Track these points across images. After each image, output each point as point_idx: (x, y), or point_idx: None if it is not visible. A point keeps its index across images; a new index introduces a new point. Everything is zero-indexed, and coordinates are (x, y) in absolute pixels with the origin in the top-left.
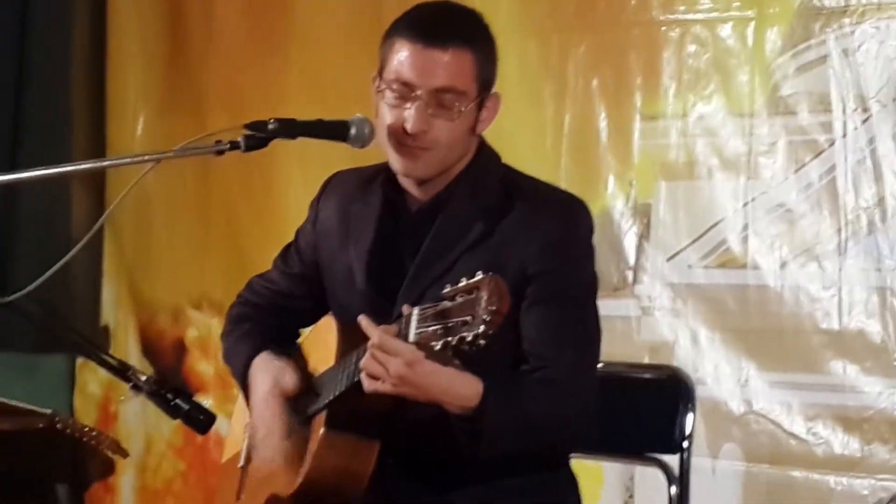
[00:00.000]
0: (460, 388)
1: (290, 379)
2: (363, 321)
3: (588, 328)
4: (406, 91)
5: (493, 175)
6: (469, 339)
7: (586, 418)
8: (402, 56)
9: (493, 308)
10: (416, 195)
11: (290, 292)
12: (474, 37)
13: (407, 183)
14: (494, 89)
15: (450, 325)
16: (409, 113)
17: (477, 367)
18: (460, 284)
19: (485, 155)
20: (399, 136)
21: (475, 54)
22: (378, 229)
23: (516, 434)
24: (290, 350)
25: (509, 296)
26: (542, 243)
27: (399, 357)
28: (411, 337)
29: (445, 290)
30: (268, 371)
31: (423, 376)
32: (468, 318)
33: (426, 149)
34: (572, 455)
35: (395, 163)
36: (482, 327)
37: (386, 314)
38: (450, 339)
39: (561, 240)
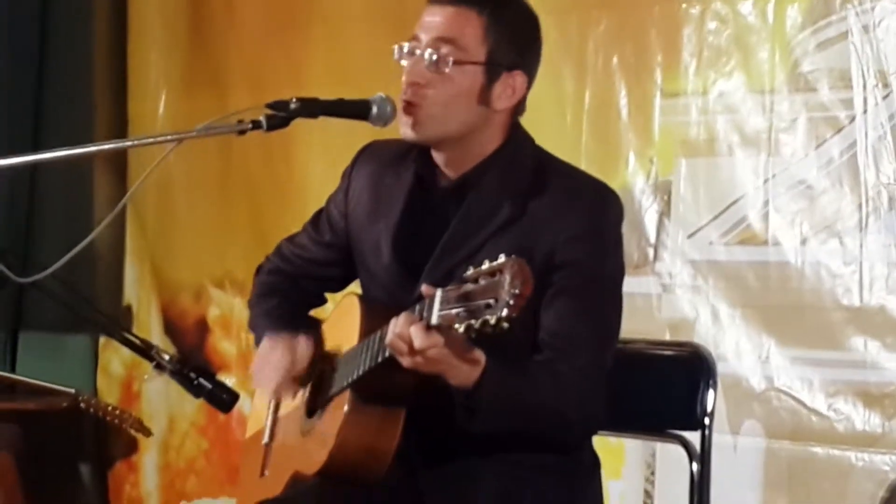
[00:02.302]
0: (466, 365)
1: (302, 360)
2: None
3: (608, 325)
4: (413, 46)
5: (525, 157)
6: (492, 322)
7: (588, 419)
8: (421, 18)
9: (517, 291)
10: (447, 172)
11: (319, 259)
12: (492, 2)
13: (438, 158)
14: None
15: (472, 307)
16: (408, 67)
17: (494, 350)
18: (483, 267)
19: (518, 137)
20: (403, 96)
21: (486, 19)
22: (407, 204)
23: (511, 415)
24: (310, 324)
25: (532, 279)
26: (572, 232)
27: (424, 345)
28: (434, 318)
29: (468, 273)
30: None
31: (440, 359)
32: (491, 300)
33: (419, 105)
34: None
35: (400, 127)
36: (505, 311)
37: (410, 291)
38: (472, 321)
39: (591, 230)
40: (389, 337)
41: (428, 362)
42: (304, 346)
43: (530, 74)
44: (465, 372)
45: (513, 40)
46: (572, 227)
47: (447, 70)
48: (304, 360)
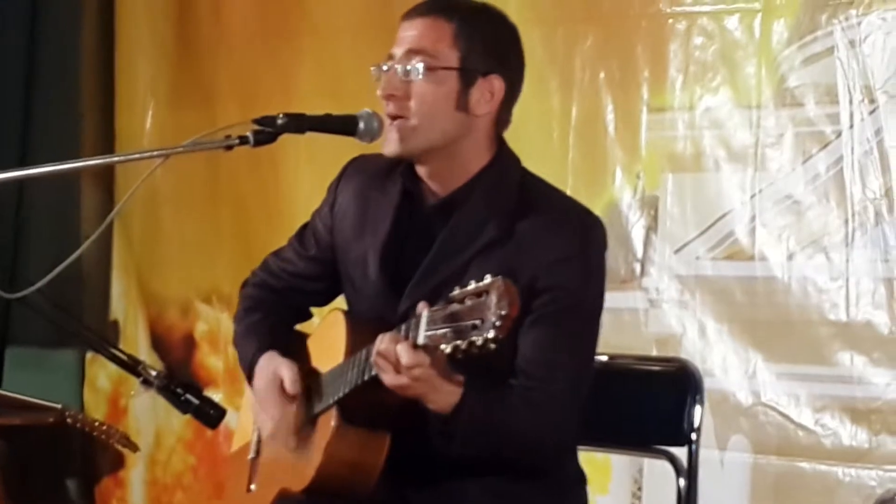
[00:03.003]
0: (445, 390)
1: (292, 378)
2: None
3: (585, 353)
4: (389, 63)
5: (511, 178)
6: (479, 343)
7: (561, 444)
8: (396, 37)
9: (503, 312)
10: (434, 188)
11: (304, 273)
12: (459, 11)
13: (423, 172)
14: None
15: (459, 328)
16: (383, 79)
17: (473, 373)
18: (469, 287)
19: (504, 157)
20: (386, 110)
21: (456, 25)
22: (394, 221)
23: (488, 441)
24: (296, 340)
25: (518, 300)
26: (555, 258)
27: (409, 366)
28: (420, 338)
29: (454, 293)
30: (271, 368)
31: (423, 382)
32: (477, 321)
33: (399, 117)
34: (580, 448)
35: (383, 145)
36: (492, 332)
37: (394, 307)
38: (459, 342)
39: (574, 256)
40: (374, 355)
41: (412, 382)
42: (295, 367)
43: (510, 80)
44: (443, 396)
45: (486, 45)
46: (556, 252)
47: (419, 78)
48: (295, 380)
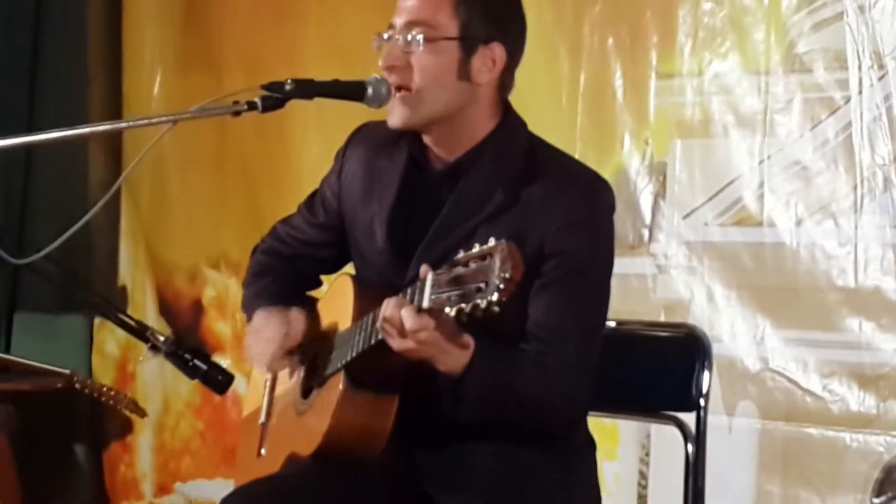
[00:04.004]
0: (455, 352)
1: (296, 331)
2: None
3: (595, 316)
4: (389, 32)
5: (518, 143)
6: (483, 306)
7: (573, 410)
8: (396, 6)
9: (506, 275)
10: (440, 154)
11: (313, 240)
12: None
13: (429, 140)
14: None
15: (463, 291)
16: (384, 50)
17: (483, 337)
18: (473, 251)
19: (510, 122)
20: (389, 80)
21: None
22: (401, 187)
23: (499, 403)
24: (307, 304)
25: (522, 262)
26: (563, 222)
27: (414, 329)
28: (425, 302)
29: (459, 256)
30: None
31: (430, 344)
32: (481, 284)
33: (402, 88)
34: (590, 413)
35: (388, 117)
36: (495, 295)
37: (402, 273)
38: (463, 305)
39: (582, 220)
40: (380, 320)
41: (418, 346)
42: (297, 318)
43: (511, 47)
44: (454, 357)
45: (486, 13)
46: (564, 216)
47: (420, 49)
48: (297, 332)
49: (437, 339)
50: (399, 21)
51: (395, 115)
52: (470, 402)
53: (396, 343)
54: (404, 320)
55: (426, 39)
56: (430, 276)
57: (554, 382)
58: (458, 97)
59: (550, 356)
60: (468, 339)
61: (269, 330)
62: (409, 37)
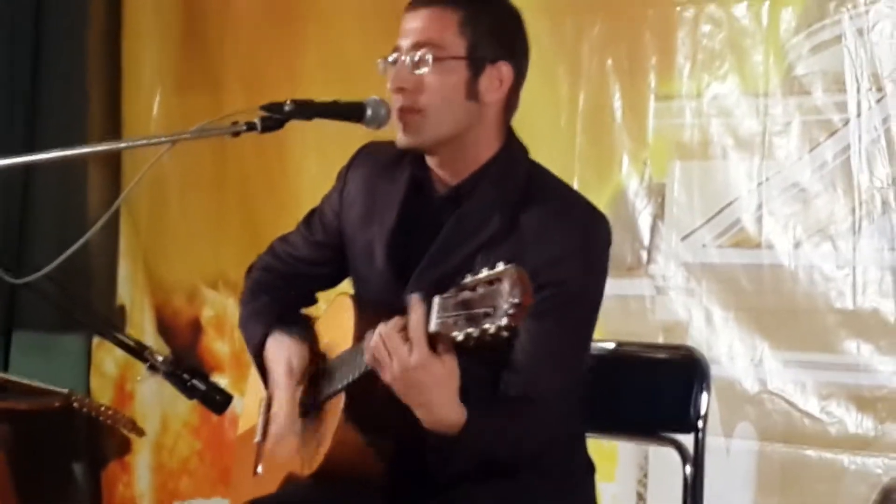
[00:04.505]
0: (443, 412)
1: (300, 361)
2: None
3: (579, 350)
4: (395, 55)
5: (519, 169)
6: (492, 331)
7: (552, 440)
8: (400, 28)
9: (516, 301)
10: (443, 177)
11: (311, 259)
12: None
13: (432, 162)
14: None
15: (471, 316)
16: (392, 72)
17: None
18: (481, 275)
19: (513, 147)
20: (395, 104)
21: (462, 13)
22: (402, 210)
23: (479, 458)
24: (303, 322)
25: (532, 289)
26: (556, 253)
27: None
28: (432, 325)
29: (466, 280)
30: (282, 352)
31: (415, 383)
32: (489, 309)
33: (410, 110)
34: (588, 435)
35: (396, 136)
36: (505, 320)
37: (399, 296)
38: (471, 330)
39: (575, 253)
40: (376, 338)
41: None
42: (304, 349)
43: (517, 66)
44: (444, 415)
45: (492, 32)
46: (557, 248)
47: (427, 70)
48: (304, 363)
49: (439, 373)
50: (405, 43)
51: (403, 137)
52: (457, 461)
53: (389, 372)
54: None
55: (434, 59)
56: (436, 300)
57: (536, 422)
58: (466, 117)
59: (532, 390)
60: (461, 408)
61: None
62: (417, 57)
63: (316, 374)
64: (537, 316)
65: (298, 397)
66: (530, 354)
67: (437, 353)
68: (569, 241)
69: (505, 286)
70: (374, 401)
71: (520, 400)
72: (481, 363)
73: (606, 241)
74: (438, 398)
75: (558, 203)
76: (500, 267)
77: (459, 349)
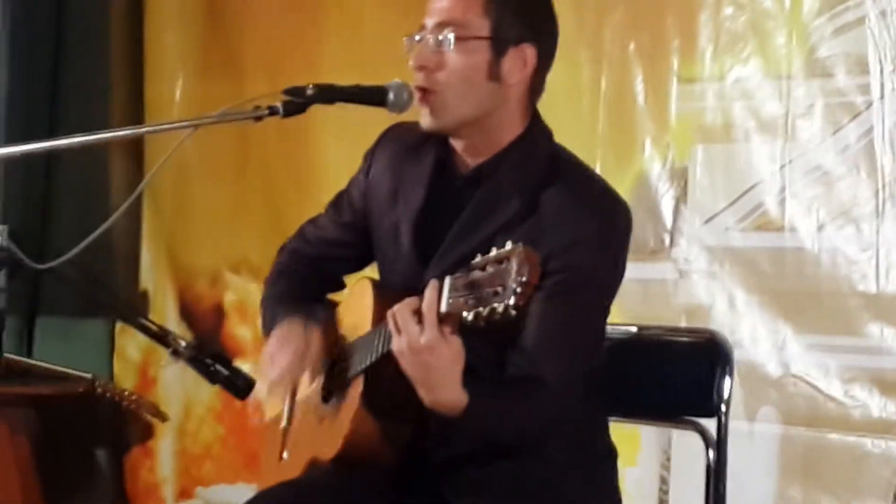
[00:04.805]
0: (445, 394)
1: (313, 348)
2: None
3: (588, 336)
4: (420, 33)
5: (541, 152)
6: (500, 310)
7: (557, 423)
8: (426, 7)
9: (524, 279)
10: (466, 159)
11: (339, 240)
12: None
13: (457, 145)
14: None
15: (481, 295)
16: (415, 50)
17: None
18: (491, 254)
19: (537, 130)
20: (415, 83)
21: None
22: (427, 191)
23: (481, 440)
24: (322, 308)
25: (540, 267)
26: (572, 238)
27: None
28: (443, 306)
29: (476, 260)
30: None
31: (421, 363)
32: (498, 288)
33: (432, 91)
34: (610, 419)
35: (421, 118)
36: (513, 298)
37: (423, 276)
38: (481, 309)
39: (591, 239)
40: (389, 316)
41: (422, 353)
42: (316, 336)
43: (543, 48)
44: (446, 397)
45: (517, 13)
46: (573, 233)
47: (450, 49)
48: (316, 350)
49: (445, 356)
50: (430, 22)
51: (427, 117)
52: (455, 438)
53: (398, 342)
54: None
55: (457, 39)
56: (447, 280)
57: (542, 406)
58: (488, 98)
59: (543, 377)
60: (463, 394)
61: (290, 346)
62: (441, 37)
63: (336, 358)
64: (548, 298)
65: (321, 382)
66: (537, 337)
67: (444, 335)
68: (585, 226)
69: (513, 265)
70: (391, 384)
71: (524, 382)
72: (489, 343)
73: (625, 228)
74: (442, 380)
75: (578, 187)
76: (509, 246)
77: (469, 328)
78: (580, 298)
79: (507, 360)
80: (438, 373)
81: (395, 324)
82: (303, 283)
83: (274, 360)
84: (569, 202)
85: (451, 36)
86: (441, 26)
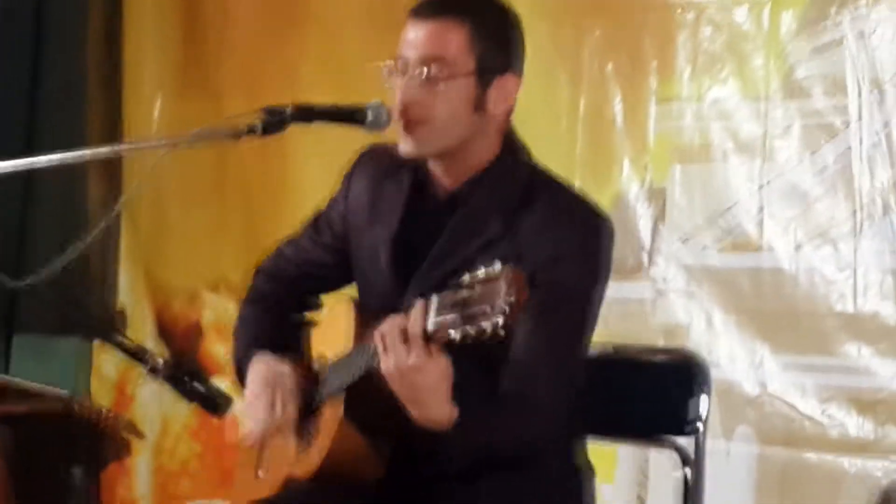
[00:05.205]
0: (433, 411)
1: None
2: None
3: (581, 345)
4: (402, 66)
5: (518, 171)
6: (489, 330)
7: (555, 433)
8: (403, 34)
9: (512, 299)
10: (444, 181)
11: (318, 260)
12: (472, 11)
13: (435, 168)
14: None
15: (468, 314)
16: (400, 86)
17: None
18: (478, 274)
19: (512, 149)
20: (399, 114)
21: (471, 27)
22: (405, 212)
23: (474, 454)
24: (298, 336)
25: (527, 288)
26: (555, 253)
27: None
28: (430, 324)
29: (464, 279)
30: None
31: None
32: (487, 308)
33: (419, 123)
34: (588, 438)
35: (399, 144)
36: (501, 318)
37: (402, 297)
38: (468, 328)
39: (574, 252)
40: (376, 333)
41: (410, 371)
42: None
43: (520, 74)
44: (435, 412)
45: (499, 44)
46: (556, 249)
47: (439, 86)
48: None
49: (433, 374)
50: (412, 54)
51: (410, 146)
52: (445, 454)
53: (386, 362)
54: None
55: (446, 77)
56: (434, 299)
57: (537, 422)
58: (472, 128)
59: (535, 390)
60: (453, 408)
61: (266, 398)
62: (427, 73)
63: (315, 377)
64: (534, 314)
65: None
66: (525, 352)
67: (431, 353)
68: (568, 242)
69: (502, 285)
70: (373, 402)
71: (513, 396)
72: (477, 360)
73: (607, 242)
74: (430, 397)
75: (558, 203)
76: (497, 266)
77: (455, 347)
78: (566, 313)
79: (499, 378)
80: (427, 391)
81: (384, 343)
82: (280, 308)
83: (255, 409)
84: (549, 218)
85: (440, 74)
86: (426, 61)
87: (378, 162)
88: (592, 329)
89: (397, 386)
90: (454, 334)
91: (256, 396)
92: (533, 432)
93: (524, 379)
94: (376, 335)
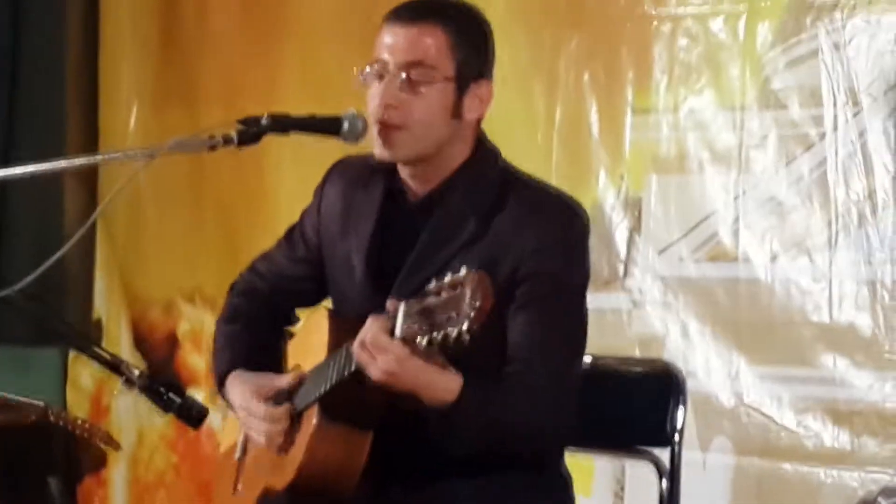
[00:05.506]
0: (440, 383)
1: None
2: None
3: (573, 335)
4: (381, 69)
5: (490, 172)
6: (453, 335)
7: (565, 424)
8: (380, 38)
9: (477, 304)
10: (415, 187)
11: (293, 274)
12: (450, 16)
13: (404, 173)
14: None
15: (434, 321)
16: (380, 89)
17: (464, 365)
18: (444, 280)
19: (483, 151)
20: (376, 118)
21: (450, 33)
22: (378, 220)
23: (488, 436)
24: (275, 352)
25: (493, 292)
26: (535, 246)
27: (389, 354)
28: (397, 332)
29: (430, 286)
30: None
31: (408, 371)
32: (452, 314)
33: (398, 127)
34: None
35: (375, 148)
36: (465, 324)
37: (379, 307)
38: (434, 334)
39: (554, 243)
40: (356, 346)
41: (396, 373)
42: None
43: (492, 80)
44: (439, 390)
45: (477, 50)
46: (536, 241)
47: (421, 91)
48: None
49: (417, 369)
50: (391, 59)
51: (387, 151)
52: (460, 434)
53: (375, 371)
54: (377, 343)
55: (427, 81)
56: (401, 307)
57: (540, 404)
58: (447, 134)
59: (532, 376)
60: (454, 375)
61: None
62: (409, 77)
63: (291, 389)
64: (523, 308)
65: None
66: (520, 346)
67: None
68: (546, 233)
69: (467, 291)
70: (347, 412)
71: (514, 378)
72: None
73: (584, 229)
74: (426, 378)
75: (532, 198)
76: (463, 272)
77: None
78: (554, 302)
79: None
80: (421, 375)
81: (370, 353)
82: (256, 325)
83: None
84: (526, 213)
85: (422, 78)
86: (408, 66)
87: (350, 172)
88: (585, 312)
89: (395, 388)
90: (421, 341)
91: (249, 412)
92: (539, 415)
93: (525, 370)
94: (356, 347)
